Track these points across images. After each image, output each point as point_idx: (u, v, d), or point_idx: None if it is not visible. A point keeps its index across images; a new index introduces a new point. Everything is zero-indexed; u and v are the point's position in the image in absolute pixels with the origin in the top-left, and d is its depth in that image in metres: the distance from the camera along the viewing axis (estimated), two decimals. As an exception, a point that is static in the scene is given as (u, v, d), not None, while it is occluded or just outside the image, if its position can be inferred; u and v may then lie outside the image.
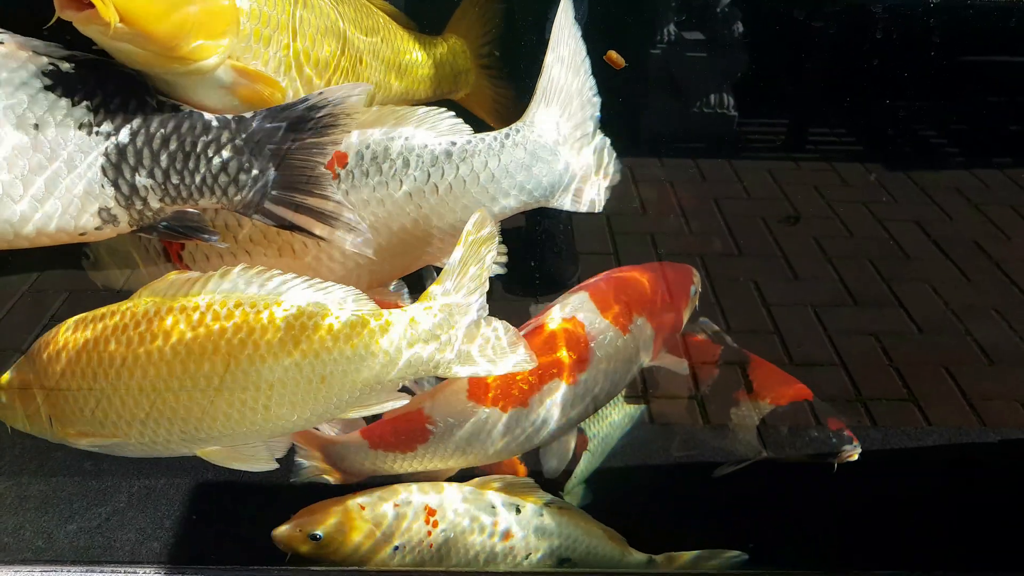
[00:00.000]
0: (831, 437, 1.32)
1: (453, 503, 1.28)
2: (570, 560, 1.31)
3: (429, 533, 1.25)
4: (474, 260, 1.05)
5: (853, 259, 2.35)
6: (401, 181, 1.08)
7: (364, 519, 1.25)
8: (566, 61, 1.15)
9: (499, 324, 1.09)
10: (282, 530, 1.26)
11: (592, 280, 1.40)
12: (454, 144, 1.09)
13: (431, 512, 1.26)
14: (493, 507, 1.28)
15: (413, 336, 1.01)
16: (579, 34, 1.19)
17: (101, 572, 1.13)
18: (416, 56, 1.33)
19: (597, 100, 1.20)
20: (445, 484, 1.31)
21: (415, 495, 1.29)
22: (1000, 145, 3.00)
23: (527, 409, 1.24)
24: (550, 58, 1.14)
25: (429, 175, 1.09)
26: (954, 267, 2.33)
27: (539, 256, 2.18)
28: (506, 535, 1.28)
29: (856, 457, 1.31)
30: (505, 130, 1.14)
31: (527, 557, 1.29)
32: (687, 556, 1.36)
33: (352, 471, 1.29)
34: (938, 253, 2.39)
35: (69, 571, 1.13)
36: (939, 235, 2.46)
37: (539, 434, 1.26)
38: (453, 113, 1.13)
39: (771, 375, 1.48)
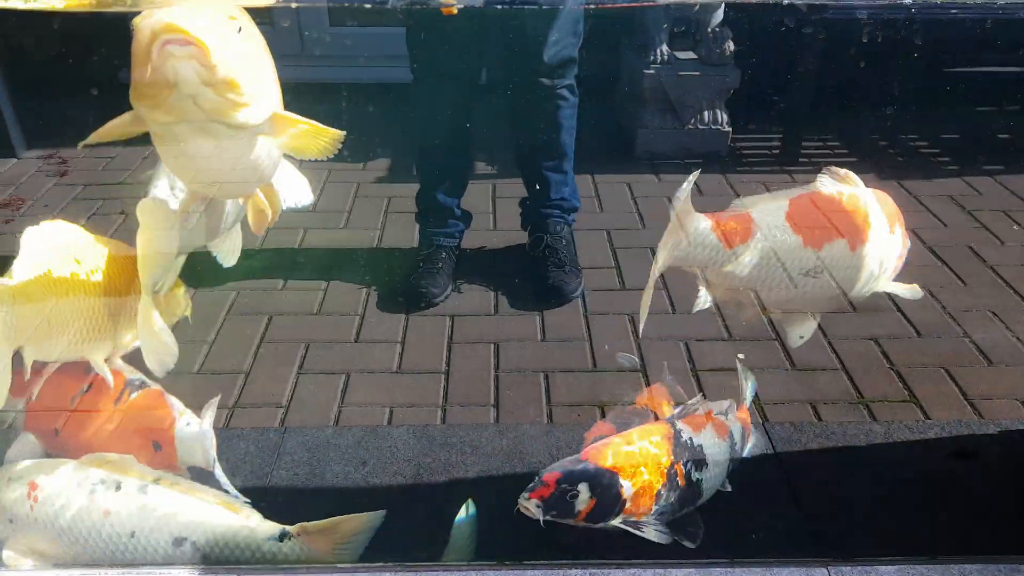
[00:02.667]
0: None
1: (55, 478, 1.26)
2: (188, 539, 1.26)
3: (31, 508, 1.24)
4: None
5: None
6: None
7: None
8: None
9: None
10: None
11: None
12: None
13: (33, 486, 1.25)
14: (93, 484, 1.26)
15: None
16: None
17: (138, 574, 1.18)
18: None
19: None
20: (56, 461, 1.30)
21: (26, 468, 1.28)
22: (991, 152, 3.07)
23: (817, 252, 1.32)
24: None
25: None
26: (950, 272, 2.37)
27: (543, 271, 2.23)
28: (105, 512, 1.25)
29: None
30: None
31: (132, 536, 1.25)
32: (322, 524, 1.31)
33: (695, 260, 1.34)
34: (934, 259, 2.44)
35: (107, 573, 1.18)
36: (934, 241, 2.51)
37: (816, 287, 1.34)
38: None
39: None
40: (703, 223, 1.35)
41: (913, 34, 2.60)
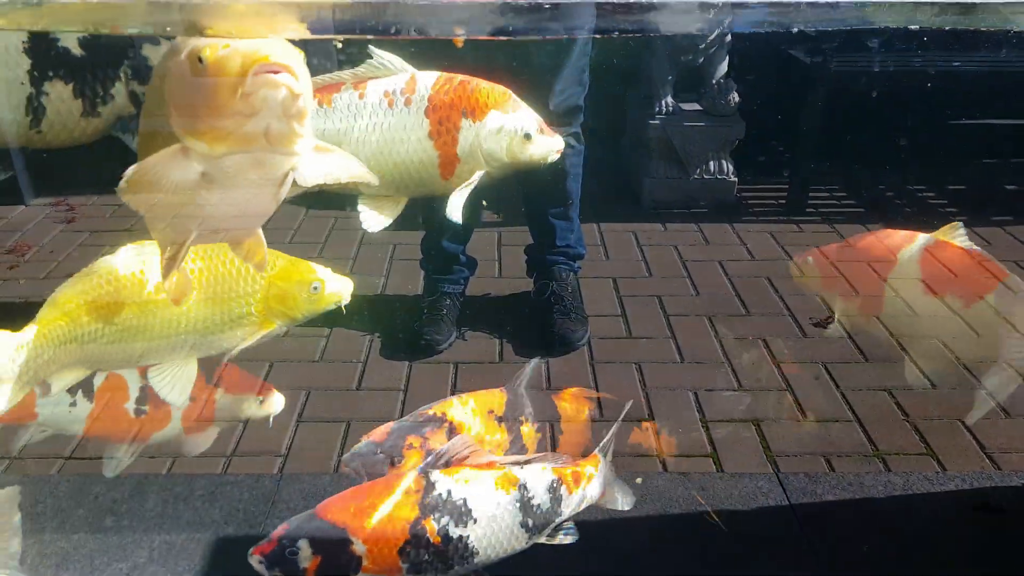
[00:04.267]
0: None
1: None
2: None
3: None
4: None
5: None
6: None
7: None
8: None
9: None
10: None
11: None
12: None
13: None
14: None
15: None
16: None
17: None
18: None
19: None
20: None
21: None
22: (999, 203, 3.07)
23: None
24: None
25: None
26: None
27: (548, 318, 2.20)
28: None
29: None
30: None
31: None
32: None
33: None
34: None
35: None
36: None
37: None
38: None
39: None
40: None
41: (919, 86, 2.62)
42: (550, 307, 2.22)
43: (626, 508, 1.44)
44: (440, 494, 1.25)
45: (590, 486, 1.39)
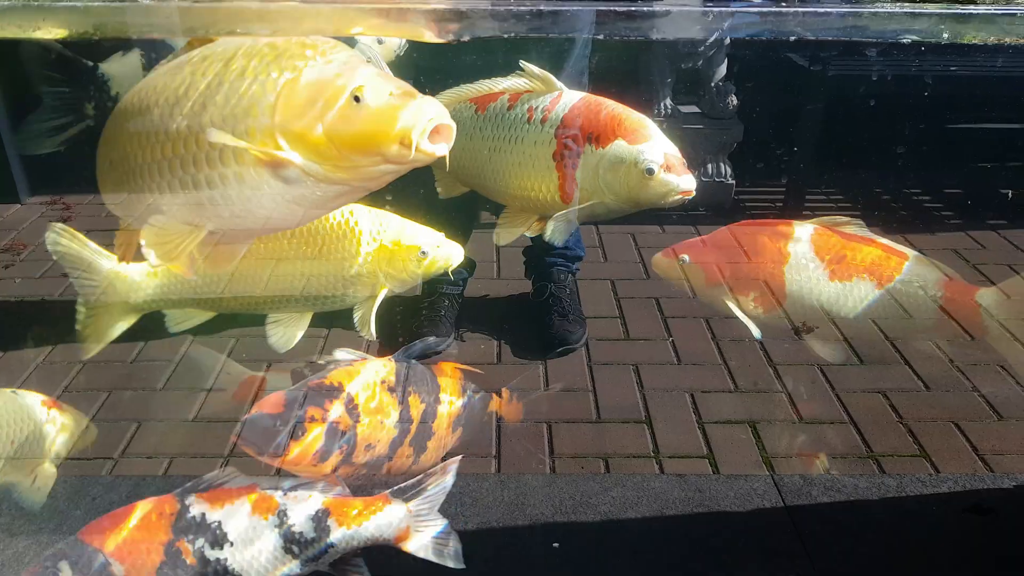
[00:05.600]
0: None
1: None
2: None
3: None
4: None
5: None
6: None
7: None
8: None
9: None
10: None
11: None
12: None
13: None
14: None
15: None
16: None
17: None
18: None
19: None
20: None
21: None
22: (994, 206, 3.09)
23: None
24: None
25: None
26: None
27: (546, 320, 2.21)
28: None
29: None
30: None
31: None
32: None
33: None
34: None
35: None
36: (939, 294, 2.49)
37: None
38: None
39: None
40: None
41: (916, 91, 2.63)
42: (548, 309, 2.23)
43: (450, 564, 1.36)
44: (194, 517, 1.29)
45: (370, 524, 1.36)
